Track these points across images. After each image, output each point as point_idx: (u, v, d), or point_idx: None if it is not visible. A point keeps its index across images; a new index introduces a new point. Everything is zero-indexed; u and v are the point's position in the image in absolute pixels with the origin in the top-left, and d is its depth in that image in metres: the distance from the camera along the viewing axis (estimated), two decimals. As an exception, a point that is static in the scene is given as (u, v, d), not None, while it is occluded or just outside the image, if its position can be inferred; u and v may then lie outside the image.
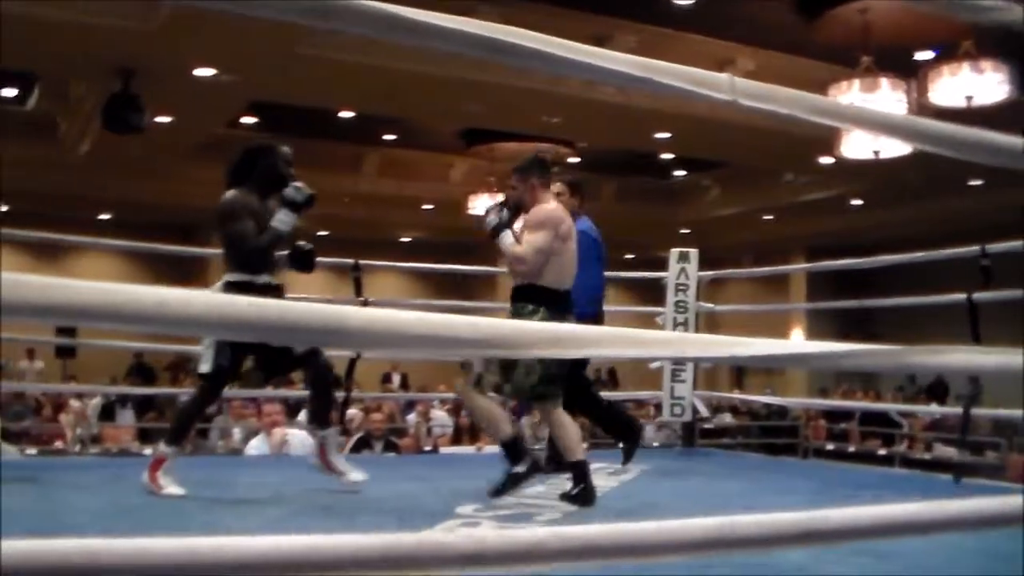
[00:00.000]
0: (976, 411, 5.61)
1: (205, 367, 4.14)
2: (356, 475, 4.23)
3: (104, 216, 18.46)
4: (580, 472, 4.10)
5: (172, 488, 4.01)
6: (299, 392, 7.18)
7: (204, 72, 11.08)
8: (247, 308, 1.22)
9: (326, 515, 3.78)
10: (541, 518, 3.73)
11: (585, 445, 4.97)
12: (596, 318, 5.36)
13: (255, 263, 4.16)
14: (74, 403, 10.87)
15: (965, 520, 1.52)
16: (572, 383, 5.15)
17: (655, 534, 1.37)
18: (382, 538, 1.19)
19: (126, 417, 11.01)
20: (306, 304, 1.24)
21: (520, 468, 4.05)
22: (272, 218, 4.16)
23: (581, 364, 5.25)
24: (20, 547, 1.02)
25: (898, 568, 2.84)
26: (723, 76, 1.58)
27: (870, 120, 1.92)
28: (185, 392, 8.41)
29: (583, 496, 4.05)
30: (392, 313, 1.24)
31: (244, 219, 4.14)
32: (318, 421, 4.26)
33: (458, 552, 1.24)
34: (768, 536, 1.39)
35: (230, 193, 4.19)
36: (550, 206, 4.21)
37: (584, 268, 5.30)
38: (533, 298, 4.13)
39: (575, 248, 4.29)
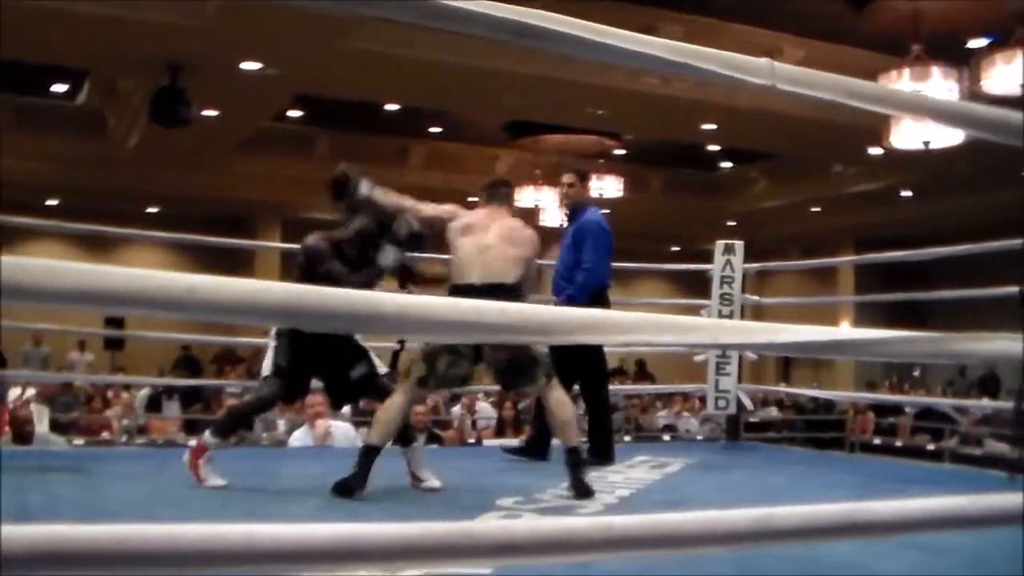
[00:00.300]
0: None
1: (266, 369, 4.25)
2: (433, 483, 4.22)
3: (152, 209, 18.66)
4: (574, 461, 4.02)
5: (214, 479, 4.05)
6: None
7: (250, 66, 11.16)
8: (280, 293, 1.22)
9: (367, 507, 3.79)
10: (584, 511, 3.70)
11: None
12: None
13: None
14: (122, 394, 11.01)
15: (1001, 515, 1.48)
16: (587, 367, 5.15)
17: (691, 525, 1.34)
18: (412, 527, 1.18)
19: (172, 409, 11.12)
20: (339, 290, 1.23)
21: (353, 479, 3.94)
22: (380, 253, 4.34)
23: (591, 352, 5.19)
24: (54, 532, 1.03)
25: (948, 563, 2.79)
26: (763, 61, 1.55)
27: (912, 105, 1.88)
28: (231, 384, 8.54)
29: (576, 488, 3.96)
30: (424, 299, 1.23)
31: (333, 260, 4.28)
32: (401, 440, 4.26)
33: (489, 542, 1.23)
34: (806, 528, 1.36)
35: (312, 237, 4.35)
36: (471, 212, 4.39)
37: (594, 260, 5.31)
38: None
39: (493, 246, 4.20)
